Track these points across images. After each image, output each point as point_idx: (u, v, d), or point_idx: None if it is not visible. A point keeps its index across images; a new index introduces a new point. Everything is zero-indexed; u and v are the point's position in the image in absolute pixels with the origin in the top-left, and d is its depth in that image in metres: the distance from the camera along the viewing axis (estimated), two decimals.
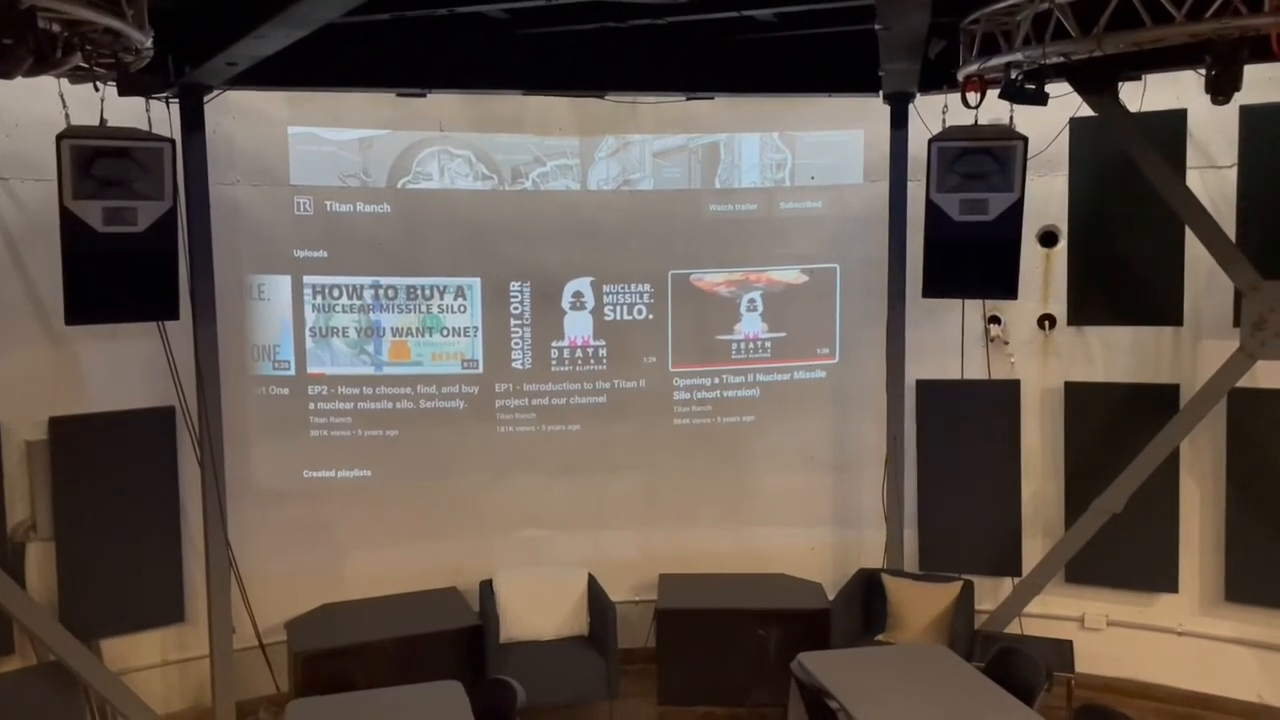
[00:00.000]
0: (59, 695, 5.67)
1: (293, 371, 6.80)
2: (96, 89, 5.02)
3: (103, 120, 5.18)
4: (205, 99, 5.94)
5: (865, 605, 6.70)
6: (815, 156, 7.30)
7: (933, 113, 6.38)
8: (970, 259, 6.21)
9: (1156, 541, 6.71)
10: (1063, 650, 6.44)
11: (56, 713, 5.65)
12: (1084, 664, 6.55)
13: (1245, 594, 6.53)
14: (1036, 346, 7.10)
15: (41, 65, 3.97)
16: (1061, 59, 5.15)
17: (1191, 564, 6.72)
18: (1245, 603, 6.53)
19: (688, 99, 6.78)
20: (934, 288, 6.39)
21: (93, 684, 5.77)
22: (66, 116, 5.15)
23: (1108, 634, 6.93)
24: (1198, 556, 6.70)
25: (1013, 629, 6.73)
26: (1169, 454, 6.35)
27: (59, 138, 5.10)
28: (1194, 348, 6.65)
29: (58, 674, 5.68)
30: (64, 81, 5.05)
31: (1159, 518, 6.65)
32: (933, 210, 6.22)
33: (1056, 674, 5.72)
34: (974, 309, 7.13)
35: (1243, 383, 6.15)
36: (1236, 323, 6.14)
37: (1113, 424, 6.75)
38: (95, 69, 4.50)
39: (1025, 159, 6.06)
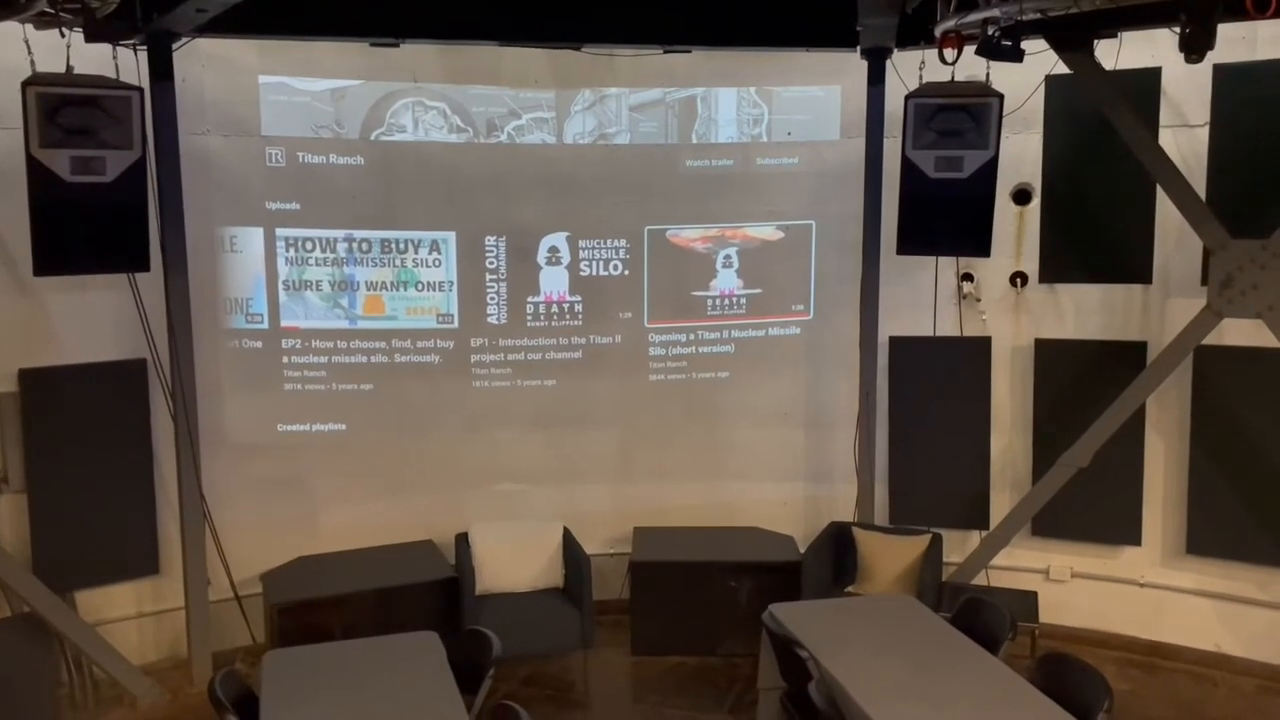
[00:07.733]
0: (34, 646, 5.68)
1: (266, 325, 6.75)
2: (63, 35, 4.94)
3: (69, 67, 5.09)
4: (174, 46, 5.84)
5: (836, 558, 6.80)
6: (792, 112, 7.28)
7: (910, 69, 6.39)
8: (944, 216, 6.24)
9: (1121, 496, 6.83)
10: (1028, 601, 6.59)
11: (32, 664, 5.66)
12: (1048, 614, 6.70)
13: (1206, 547, 6.67)
14: (1008, 304, 7.16)
15: (6, 9, 3.91)
16: (1038, 15, 5.14)
17: (1154, 518, 6.85)
18: (1205, 555, 6.68)
19: (664, 52, 6.71)
20: (908, 245, 6.43)
21: (68, 635, 5.79)
22: (32, 63, 5.06)
23: (1072, 585, 7.07)
24: (1161, 510, 6.83)
25: (979, 581, 6.87)
26: (1135, 410, 6.45)
27: (24, 85, 5.01)
28: (1162, 306, 6.73)
29: (32, 625, 5.69)
30: (29, 27, 4.95)
31: (1124, 472, 6.77)
32: (908, 167, 6.24)
33: (1021, 624, 5.83)
34: (947, 266, 7.15)
35: (1209, 340, 6.25)
36: (1204, 281, 6.22)
37: (1081, 380, 6.84)
38: (61, 14, 4.44)
39: (1000, 116, 6.07)
